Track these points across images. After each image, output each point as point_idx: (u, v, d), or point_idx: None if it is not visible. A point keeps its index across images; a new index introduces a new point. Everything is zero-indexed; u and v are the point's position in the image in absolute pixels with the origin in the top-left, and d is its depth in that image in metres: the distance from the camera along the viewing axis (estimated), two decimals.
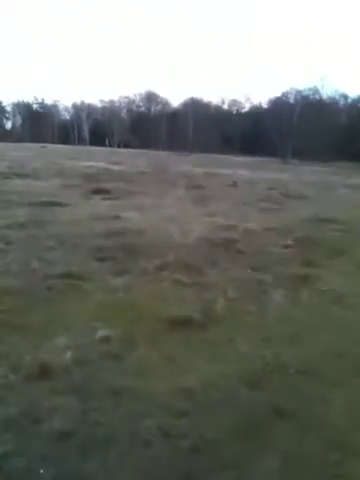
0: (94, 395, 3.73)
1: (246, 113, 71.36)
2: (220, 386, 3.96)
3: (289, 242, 8.83)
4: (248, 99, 74.41)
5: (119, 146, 67.82)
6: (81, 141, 71.93)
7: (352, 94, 64.53)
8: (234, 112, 73.12)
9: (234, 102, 74.08)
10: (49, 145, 53.06)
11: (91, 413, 3.50)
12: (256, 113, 66.34)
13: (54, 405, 3.53)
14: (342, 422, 3.45)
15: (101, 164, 25.35)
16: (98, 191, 14.87)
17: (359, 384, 4.02)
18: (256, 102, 73.38)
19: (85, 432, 3.28)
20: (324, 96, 61.04)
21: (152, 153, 48.54)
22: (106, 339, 4.63)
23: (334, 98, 62.12)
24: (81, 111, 78.00)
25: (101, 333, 4.71)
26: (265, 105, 69.12)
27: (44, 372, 3.96)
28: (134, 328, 4.94)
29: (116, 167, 24.03)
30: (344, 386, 3.98)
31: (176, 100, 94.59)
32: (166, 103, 76.66)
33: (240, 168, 28.17)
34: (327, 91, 61.19)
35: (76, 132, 76.57)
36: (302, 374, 4.19)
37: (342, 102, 63.81)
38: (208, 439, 3.24)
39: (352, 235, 9.98)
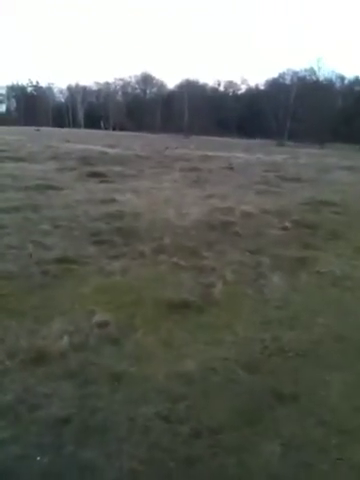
0: (91, 380, 3.68)
1: (242, 95, 70.73)
2: (219, 370, 3.91)
3: (286, 224, 8.75)
4: (244, 81, 73.78)
5: (114, 129, 67.19)
6: (76, 124, 71.25)
7: (349, 75, 63.97)
8: (230, 94, 72.45)
9: (230, 84, 73.40)
10: (44, 128, 52.45)
11: (88, 399, 3.45)
12: (252, 95, 65.81)
13: (51, 391, 3.48)
14: (343, 406, 3.41)
15: (96, 147, 25.06)
16: (94, 174, 14.67)
17: (358, 367, 3.97)
18: (252, 84, 72.71)
19: (82, 418, 3.23)
20: (321, 78, 60.54)
21: (148, 136, 48.13)
22: (103, 323, 4.55)
23: (331, 80, 61.59)
24: (76, 94, 77.11)
25: (98, 317, 4.64)
26: (262, 87, 68.53)
27: (40, 357, 3.89)
28: (132, 312, 4.87)
29: (112, 150, 23.77)
30: (344, 370, 3.93)
31: (172, 82, 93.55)
32: (162, 85, 75.87)
33: (236, 150, 27.95)
34: (324, 72, 60.67)
35: (71, 115, 75.75)
36: (301, 357, 4.14)
37: (339, 84, 63.33)
38: (208, 424, 3.20)
39: (349, 217, 9.92)
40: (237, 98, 69.10)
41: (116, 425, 3.19)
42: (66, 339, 4.17)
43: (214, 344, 4.34)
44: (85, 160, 18.21)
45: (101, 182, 13.57)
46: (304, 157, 27.15)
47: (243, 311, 5.07)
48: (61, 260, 6.28)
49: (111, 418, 3.26)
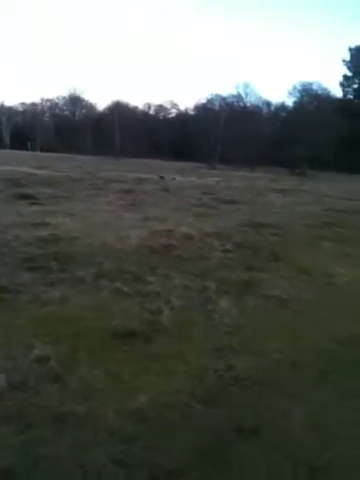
0: (34, 424, 3.33)
1: (173, 119, 72.02)
2: (174, 405, 3.68)
3: (228, 247, 8.74)
4: (174, 105, 75.18)
5: (42, 150, 65.74)
6: (1, 145, 68.95)
7: (274, 101, 67.05)
8: (161, 117, 73.51)
9: (160, 107, 74.51)
10: None
11: (31, 445, 3.11)
12: (183, 119, 67.18)
13: None
14: (308, 439, 3.28)
15: (24, 168, 24.28)
16: (23, 196, 14.10)
17: (318, 395, 3.89)
18: (182, 108, 74.25)
19: (26, 468, 2.90)
20: (248, 104, 63.09)
21: (78, 157, 47.47)
22: (43, 358, 4.20)
23: (257, 105, 64.31)
24: (1, 114, 74.85)
25: (37, 352, 4.27)
26: (191, 111, 70.20)
27: None
28: (74, 344, 4.55)
29: (41, 172, 23.12)
30: (303, 398, 3.83)
31: (101, 104, 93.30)
32: (91, 107, 75.56)
33: (170, 173, 28.11)
34: (251, 98, 63.27)
35: None
36: (258, 386, 4.00)
37: (265, 109, 66.25)
38: (167, 467, 2.95)
39: (287, 239, 10.12)
40: (168, 122, 70.21)
41: (65, 474, 2.88)
42: (2, 378, 3.78)
43: (166, 375, 4.12)
44: (13, 182, 17.53)
45: (31, 204, 13.05)
46: (236, 180, 27.85)
47: (193, 338, 4.90)
48: None
49: (59, 466, 2.94)
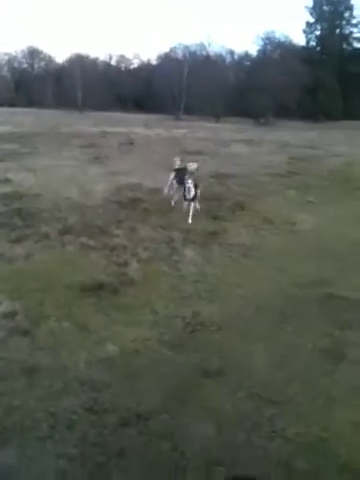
0: (3, 377, 3.36)
1: (136, 70, 69.56)
2: (142, 352, 3.76)
3: None
4: (136, 55, 72.60)
5: (2, 105, 63.10)
6: None
7: (238, 51, 65.50)
8: (123, 69, 71.01)
9: (122, 58, 71.78)
10: None
11: (3, 397, 3.14)
12: (146, 70, 65.10)
13: None
14: (271, 377, 3.42)
15: None
16: None
17: (281, 336, 4.03)
18: (145, 58, 71.76)
19: None
20: (211, 53, 61.45)
21: (40, 112, 45.78)
22: (10, 314, 4.19)
23: (221, 55, 62.70)
24: None
25: (4, 308, 4.27)
26: (154, 62, 67.98)
27: None
28: (41, 299, 4.54)
29: (1, 127, 22.23)
30: (267, 340, 3.97)
31: (61, 56, 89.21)
32: (50, 60, 72.27)
33: (135, 126, 27.50)
34: (214, 48, 61.61)
35: None
36: (224, 331, 4.11)
37: (229, 59, 64.65)
38: (136, 411, 3.04)
39: (252, 189, 10.15)
40: (131, 73, 67.90)
41: (36, 423, 2.93)
42: None
43: (134, 325, 4.17)
44: None
45: None
46: (202, 131, 27.47)
47: (161, 288, 4.95)
48: None
49: (30, 416, 2.98)
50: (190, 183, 7.51)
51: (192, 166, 9.03)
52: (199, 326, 4.16)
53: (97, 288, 4.80)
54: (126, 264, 5.44)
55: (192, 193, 7.52)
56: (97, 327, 4.11)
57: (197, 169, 9.13)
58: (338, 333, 4.10)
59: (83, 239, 6.20)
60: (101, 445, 2.75)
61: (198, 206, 7.86)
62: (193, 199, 7.60)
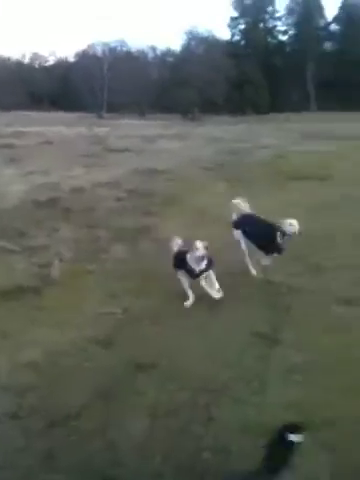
0: None
1: (52, 67, 68.30)
2: (69, 353, 3.74)
3: (121, 195, 8.75)
4: (53, 53, 71.33)
5: None
6: None
7: (160, 46, 66.13)
8: (36, 66, 69.43)
9: (36, 55, 70.18)
10: None
11: None
12: (62, 67, 64.15)
13: None
14: (203, 367, 3.49)
15: None
16: None
17: (212, 326, 4.13)
18: (62, 56, 70.63)
19: None
20: (132, 49, 61.68)
21: None
22: None
23: (143, 51, 63.02)
24: None
25: None
26: (72, 59, 67.06)
27: None
28: None
29: None
30: (198, 329, 4.06)
31: None
32: None
33: (54, 125, 27.03)
34: (135, 44, 61.87)
35: None
36: (155, 325, 4.17)
37: (151, 55, 65.07)
38: (64, 412, 3.01)
39: (182, 183, 10.29)
40: (46, 71, 66.57)
41: None
42: None
43: (59, 326, 4.14)
44: None
45: None
46: (127, 128, 27.48)
47: (87, 288, 4.94)
48: None
49: None
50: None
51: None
52: (130, 321, 4.20)
53: (17, 291, 4.72)
54: (48, 265, 5.38)
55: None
56: (18, 331, 4.05)
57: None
58: None
59: (1, 243, 6.06)
60: (27, 449, 2.71)
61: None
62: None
